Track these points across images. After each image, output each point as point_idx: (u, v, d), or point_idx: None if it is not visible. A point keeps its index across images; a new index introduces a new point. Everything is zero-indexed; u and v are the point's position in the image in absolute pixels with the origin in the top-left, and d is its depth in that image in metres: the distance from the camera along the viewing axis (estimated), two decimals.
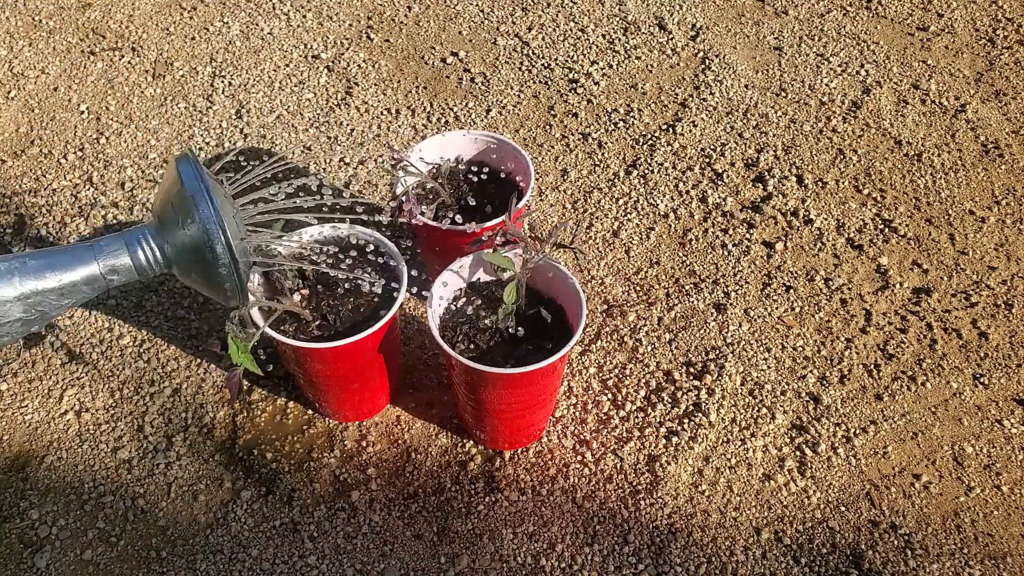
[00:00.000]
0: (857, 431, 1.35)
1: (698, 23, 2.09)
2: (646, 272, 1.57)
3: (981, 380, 1.42)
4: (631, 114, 1.86)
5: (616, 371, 1.43)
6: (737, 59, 1.99)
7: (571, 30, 2.07)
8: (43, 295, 0.91)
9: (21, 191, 1.71)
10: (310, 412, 1.38)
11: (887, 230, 1.64)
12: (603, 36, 2.06)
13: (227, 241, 0.91)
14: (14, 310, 0.90)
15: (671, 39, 2.04)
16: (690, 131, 1.82)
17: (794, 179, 1.72)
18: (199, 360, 1.44)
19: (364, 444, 1.34)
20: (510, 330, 1.18)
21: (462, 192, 1.37)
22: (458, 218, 1.28)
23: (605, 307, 1.52)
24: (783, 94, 1.91)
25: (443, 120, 1.85)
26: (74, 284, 0.92)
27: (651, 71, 1.97)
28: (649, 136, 1.81)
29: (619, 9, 2.13)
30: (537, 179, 1.73)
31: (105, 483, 1.29)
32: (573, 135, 1.82)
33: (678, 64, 1.99)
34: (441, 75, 1.96)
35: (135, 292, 1.53)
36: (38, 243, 1.62)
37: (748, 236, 1.62)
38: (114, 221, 1.65)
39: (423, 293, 1.34)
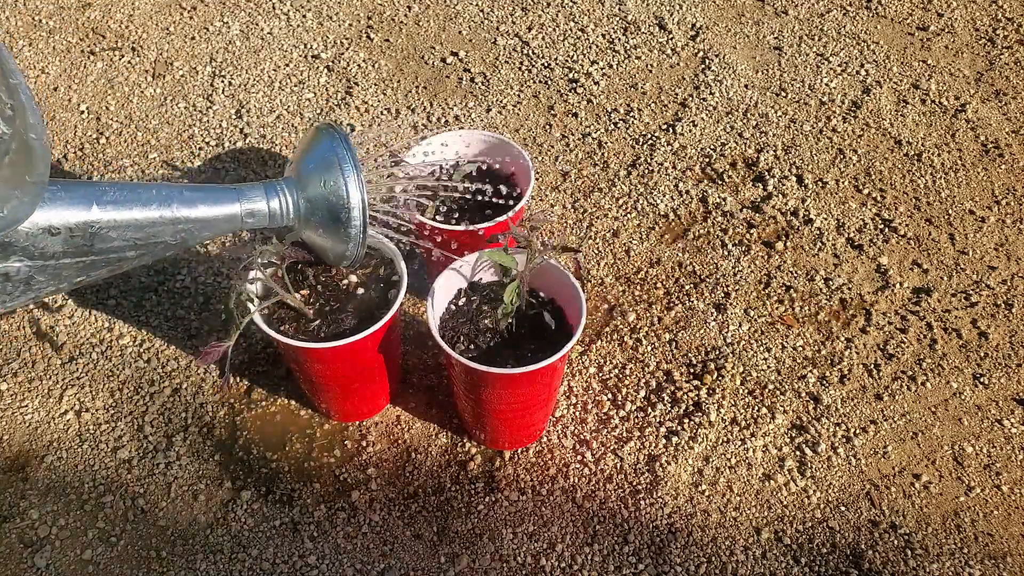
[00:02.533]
0: (857, 431, 1.35)
1: (698, 23, 2.09)
2: (646, 272, 1.57)
3: (981, 380, 1.42)
4: (631, 114, 1.86)
5: (616, 371, 1.43)
6: (737, 59, 1.99)
7: (571, 30, 2.07)
8: (191, 223, 1.02)
9: None
10: (310, 412, 1.38)
11: (887, 230, 1.64)
12: (603, 36, 2.06)
13: (363, 203, 1.04)
14: (165, 233, 1.00)
15: (671, 39, 2.04)
16: (690, 131, 1.82)
17: (794, 179, 1.72)
18: (199, 360, 1.44)
19: (364, 444, 1.34)
20: (510, 330, 1.18)
21: (462, 192, 1.37)
22: (458, 218, 1.28)
23: (605, 307, 1.52)
24: (783, 94, 1.91)
25: (443, 120, 1.85)
26: (216, 219, 1.03)
27: (651, 71, 1.97)
28: (649, 136, 1.81)
29: (619, 9, 2.13)
30: (537, 179, 1.72)
31: (105, 483, 1.29)
32: (573, 135, 1.82)
33: (678, 64, 1.99)
34: (441, 75, 1.96)
35: (135, 292, 1.53)
36: None
37: (748, 236, 1.62)
38: None
39: (423, 293, 1.34)
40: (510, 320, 1.18)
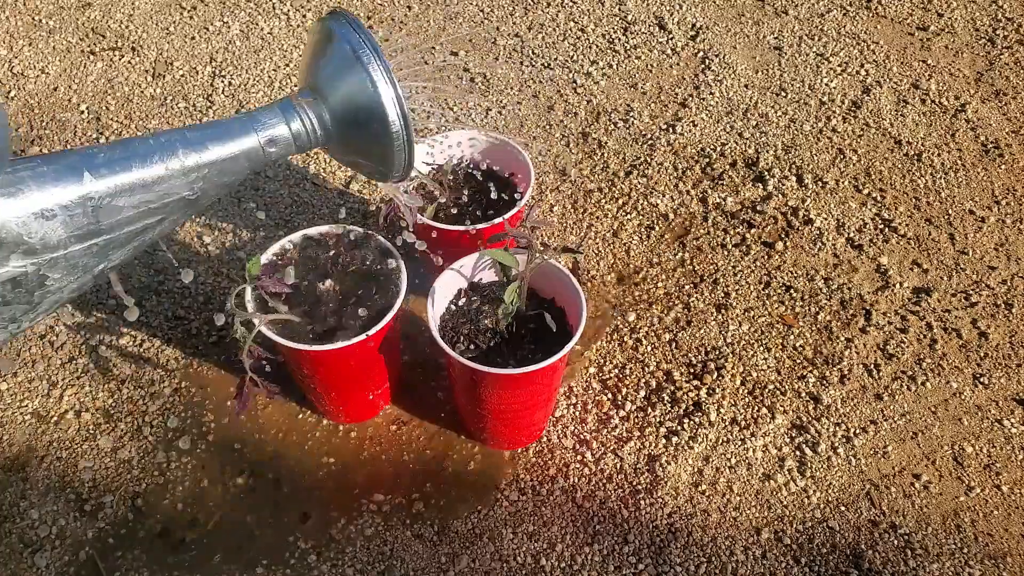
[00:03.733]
0: (857, 431, 1.35)
1: (698, 23, 2.09)
2: (646, 272, 1.57)
3: (981, 380, 1.42)
4: (631, 114, 1.86)
5: (616, 371, 1.43)
6: (737, 59, 1.99)
7: (571, 30, 2.07)
8: (206, 168, 0.86)
9: None
10: (311, 412, 1.38)
11: (887, 230, 1.64)
12: (603, 36, 2.06)
13: (399, 99, 0.86)
14: (178, 186, 0.85)
15: (671, 39, 2.04)
16: (690, 131, 1.82)
17: (794, 179, 1.72)
18: (199, 360, 1.44)
19: (364, 444, 1.34)
20: (510, 330, 1.18)
21: (462, 192, 1.37)
22: (457, 218, 1.28)
23: (605, 307, 1.52)
24: (783, 94, 1.91)
25: (443, 120, 1.85)
26: (234, 157, 0.87)
27: (651, 71, 1.97)
28: (649, 136, 1.81)
29: (619, 9, 2.13)
30: (537, 179, 1.72)
31: (105, 483, 1.29)
32: (573, 135, 1.82)
33: (678, 64, 1.99)
34: (441, 75, 1.96)
35: (135, 292, 1.53)
36: None
37: (748, 236, 1.62)
38: None
39: (423, 293, 1.34)
40: (510, 320, 1.18)
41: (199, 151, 0.85)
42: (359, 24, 0.87)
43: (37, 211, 0.77)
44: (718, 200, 1.68)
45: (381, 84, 0.85)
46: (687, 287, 1.55)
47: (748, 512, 1.26)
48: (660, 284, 1.55)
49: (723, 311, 1.51)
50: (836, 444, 1.33)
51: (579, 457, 1.32)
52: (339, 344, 1.12)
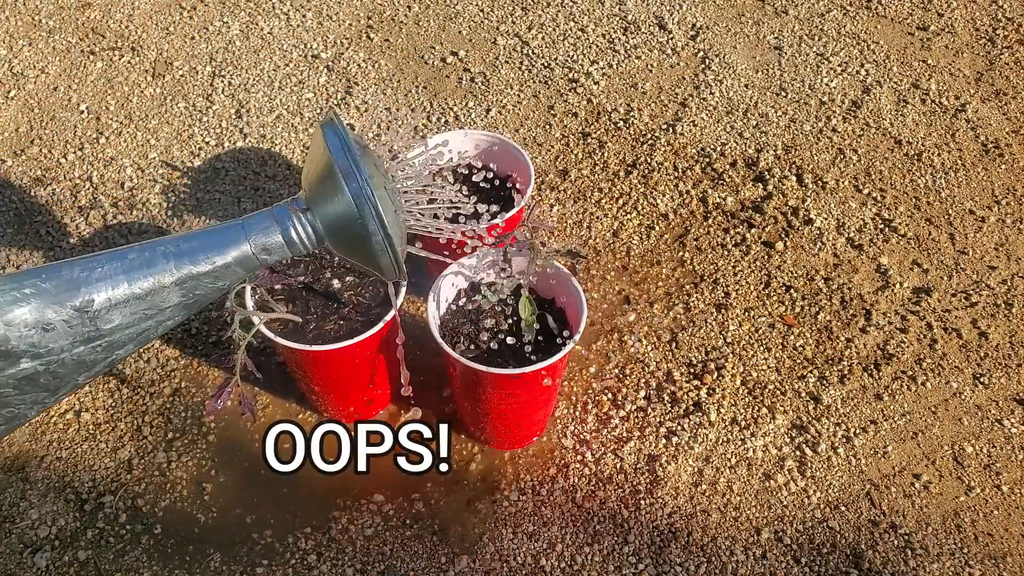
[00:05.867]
0: (857, 431, 1.35)
1: (698, 23, 2.09)
2: (646, 272, 1.57)
3: (981, 380, 1.42)
4: (631, 114, 1.86)
5: (616, 371, 1.43)
6: (737, 59, 1.99)
7: (571, 30, 2.07)
8: (198, 279, 0.89)
9: (21, 191, 1.71)
10: (311, 412, 1.38)
11: (887, 230, 1.64)
12: (603, 36, 2.06)
13: (379, 217, 0.87)
14: (172, 296, 0.89)
15: (671, 39, 2.04)
16: (690, 131, 1.82)
17: (794, 179, 1.72)
18: (199, 360, 1.44)
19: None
20: (511, 330, 1.18)
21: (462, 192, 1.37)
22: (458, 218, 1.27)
23: (605, 307, 1.52)
24: (783, 94, 1.91)
25: (443, 120, 1.85)
26: (227, 266, 0.90)
27: (651, 71, 1.97)
28: (649, 136, 1.81)
29: (619, 9, 2.13)
30: (537, 179, 1.72)
31: (105, 483, 1.29)
32: (573, 135, 1.82)
33: (678, 64, 1.99)
34: (441, 75, 1.96)
35: None
36: (37, 243, 1.62)
37: (748, 236, 1.62)
38: (114, 221, 1.65)
39: (423, 293, 1.34)
40: (529, 331, 1.16)
41: (192, 263, 0.88)
42: (348, 137, 0.88)
43: (35, 324, 0.82)
44: (718, 200, 1.68)
45: (362, 204, 0.87)
46: (687, 287, 1.55)
47: (748, 512, 1.26)
48: (660, 284, 1.55)
49: (723, 311, 1.51)
50: (836, 444, 1.33)
51: (579, 457, 1.32)
52: (339, 344, 1.12)
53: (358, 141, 0.91)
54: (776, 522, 1.26)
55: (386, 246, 0.90)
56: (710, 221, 1.65)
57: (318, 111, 1.87)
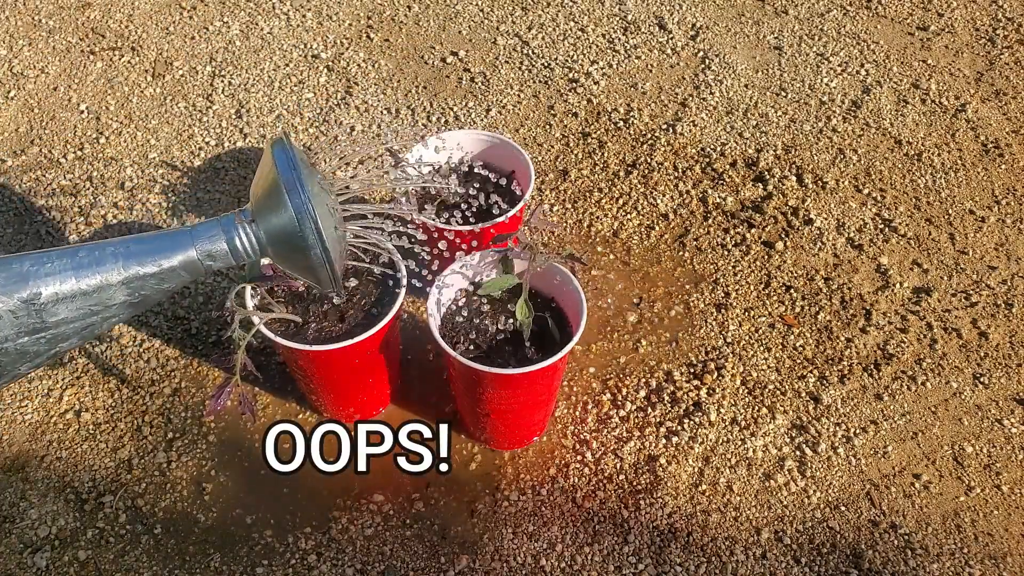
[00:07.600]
0: (857, 431, 1.35)
1: (698, 23, 2.09)
2: (646, 272, 1.57)
3: (981, 380, 1.42)
4: (631, 114, 1.86)
5: (616, 371, 1.43)
6: (737, 59, 1.99)
7: (571, 30, 2.07)
8: (144, 279, 0.94)
9: (21, 190, 1.71)
10: (311, 412, 1.38)
11: (887, 230, 1.64)
12: (603, 36, 2.06)
13: (319, 232, 0.91)
14: (118, 294, 0.93)
15: (671, 39, 2.04)
16: (690, 131, 1.82)
17: (794, 179, 1.72)
18: (199, 360, 1.44)
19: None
20: (511, 330, 1.18)
21: (462, 192, 1.37)
22: (458, 217, 1.28)
23: (605, 307, 1.52)
24: (783, 94, 1.91)
25: (443, 120, 1.85)
26: (173, 269, 0.94)
27: (651, 71, 1.97)
28: (649, 136, 1.81)
29: (619, 9, 2.13)
30: (537, 179, 1.72)
31: (105, 483, 1.29)
32: (573, 135, 1.82)
33: (678, 64, 1.99)
34: (441, 75, 1.96)
35: None
36: (37, 243, 1.62)
37: (748, 236, 1.62)
38: (114, 221, 1.65)
39: (423, 293, 1.34)
40: (531, 327, 1.17)
41: (139, 264, 0.93)
42: (294, 155, 0.93)
43: None
44: (718, 200, 1.68)
45: (303, 219, 0.91)
46: (687, 287, 1.55)
47: (748, 512, 1.26)
48: (660, 284, 1.55)
49: (723, 311, 1.51)
50: (836, 444, 1.33)
51: (579, 457, 1.32)
52: (339, 344, 1.12)
53: (304, 160, 0.95)
54: (776, 522, 1.26)
55: (324, 260, 0.94)
56: (710, 221, 1.65)
57: (318, 111, 1.87)
